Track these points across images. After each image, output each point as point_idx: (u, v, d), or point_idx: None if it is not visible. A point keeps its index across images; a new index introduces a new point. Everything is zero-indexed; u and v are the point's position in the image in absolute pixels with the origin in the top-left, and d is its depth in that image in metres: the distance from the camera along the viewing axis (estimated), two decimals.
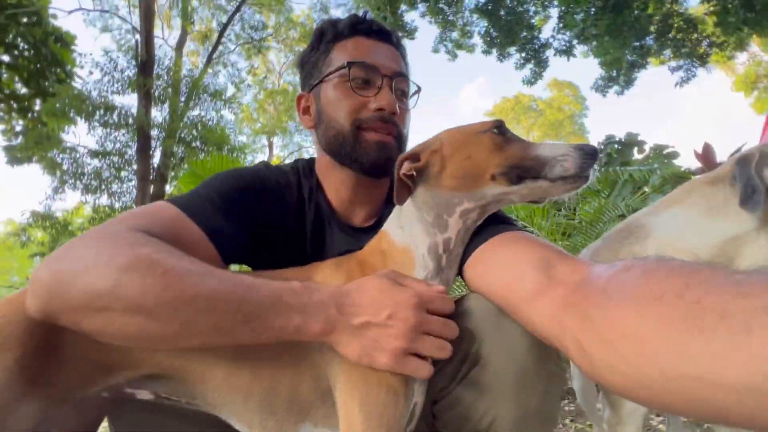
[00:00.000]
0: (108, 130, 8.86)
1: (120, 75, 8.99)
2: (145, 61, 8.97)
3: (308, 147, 16.52)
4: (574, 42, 8.87)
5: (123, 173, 9.14)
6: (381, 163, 0.83)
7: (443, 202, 0.67)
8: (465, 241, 0.70)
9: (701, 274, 0.39)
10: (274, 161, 16.26)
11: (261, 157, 16.67)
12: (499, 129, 0.68)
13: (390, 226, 0.73)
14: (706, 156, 2.77)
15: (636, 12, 7.66)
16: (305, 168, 0.94)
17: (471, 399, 0.65)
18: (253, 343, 0.57)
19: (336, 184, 0.90)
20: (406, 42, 0.99)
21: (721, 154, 2.75)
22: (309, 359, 0.62)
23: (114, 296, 0.50)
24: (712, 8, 7.27)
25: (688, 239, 0.87)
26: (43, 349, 0.56)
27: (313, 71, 0.91)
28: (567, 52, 9.11)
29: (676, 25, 8.72)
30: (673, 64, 9.26)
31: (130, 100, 9.10)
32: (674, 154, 4.14)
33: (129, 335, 0.53)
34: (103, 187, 8.94)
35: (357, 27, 0.87)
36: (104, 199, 9.18)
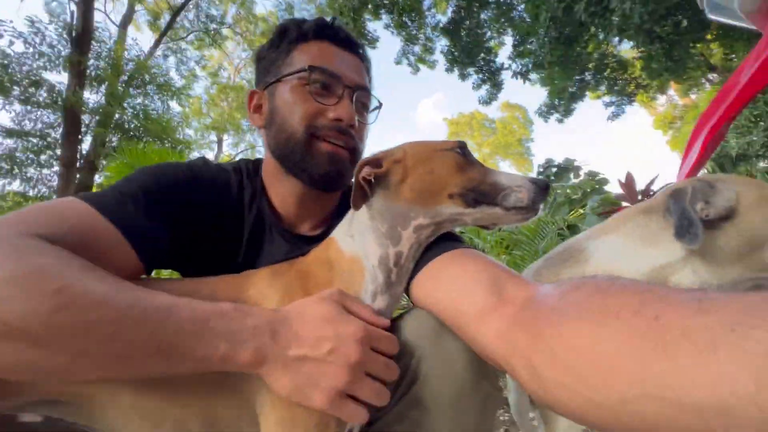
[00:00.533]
0: (28, 107, 7.87)
1: (50, 50, 8.05)
2: (80, 35, 8.11)
3: (260, 147, 15.88)
4: (530, 68, 9.51)
5: (43, 157, 8.14)
6: (331, 176, 0.79)
7: (399, 213, 0.65)
8: (416, 257, 0.68)
9: (656, 291, 0.37)
10: (223, 159, 15.56)
11: (209, 154, 15.76)
12: (462, 150, 0.68)
13: (339, 233, 0.70)
14: (629, 185, 3.14)
15: (579, 48, 8.40)
16: (249, 169, 0.87)
17: (413, 417, 0.63)
18: (166, 374, 0.49)
19: (282, 193, 0.84)
20: (368, 51, 0.96)
21: (640, 184, 3.12)
22: (233, 385, 0.56)
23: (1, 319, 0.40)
24: (639, 53, 8.16)
25: (623, 265, 0.91)
26: None
27: (270, 68, 0.85)
28: (524, 75, 9.72)
29: (610, 65, 9.70)
30: (607, 99, 10.29)
31: (59, 78, 8.18)
32: (604, 181, 4.59)
33: (7, 366, 0.43)
34: (16, 170, 7.89)
35: (323, 31, 0.83)
36: (16, 185, 8.11)
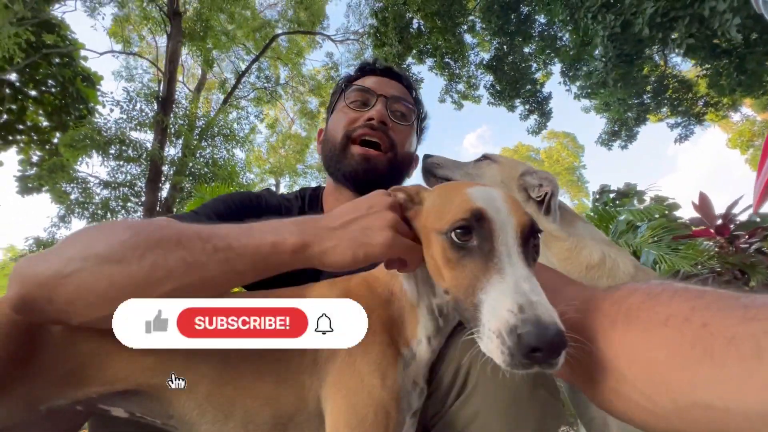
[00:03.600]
0: (121, 162, 9.13)
1: (138, 113, 9.42)
2: (165, 99, 9.44)
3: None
4: (585, 90, 9.21)
5: (129, 204, 9.29)
6: (360, 174, 0.87)
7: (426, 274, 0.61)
8: None
9: (706, 296, 0.37)
10: None
11: None
12: (461, 232, 0.50)
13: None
14: (703, 206, 2.82)
15: (638, 68, 8.04)
16: (311, 196, 0.99)
17: (463, 425, 0.62)
18: (228, 279, 0.54)
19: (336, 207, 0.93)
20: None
21: (719, 207, 2.82)
22: (297, 379, 0.59)
23: (83, 256, 0.50)
24: (703, 71, 7.64)
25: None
26: (17, 355, 0.54)
27: (329, 111, 1.05)
28: (587, 95, 9.38)
29: (671, 86, 9.14)
30: (671, 121, 9.61)
31: (145, 137, 9.48)
32: (675, 206, 4.16)
33: (102, 293, 0.50)
34: (109, 216, 9.05)
35: (365, 68, 1.02)
36: None
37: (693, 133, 9.52)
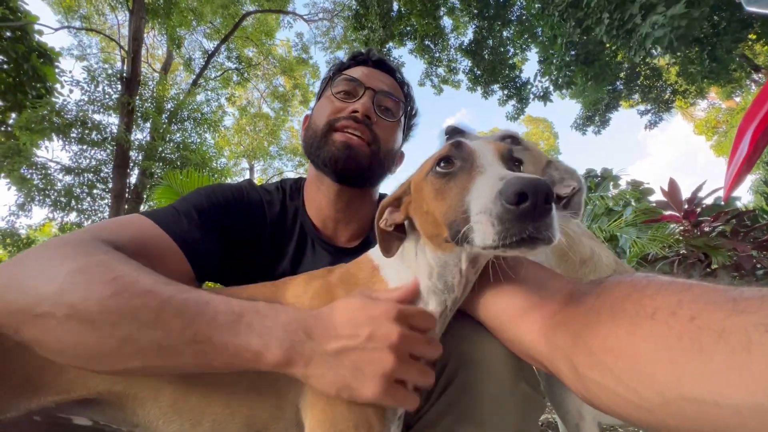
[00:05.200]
0: (84, 146, 8.63)
1: (101, 95, 8.88)
2: (129, 80, 8.92)
3: (288, 171, 16.76)
4: (550, 90, 9.46)
5: (95, 191, 8.84)
6: (342, 161, 0.84)
7: (440, 262, 0.57)
8: (471, 285, 0.62)
9: (693, 289, 0.37)
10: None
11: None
12: (442, 163, 0.52)
13: (389, 273, 0.62)
14: (672, 192, 2.94)
15: (607, 59, 8.23)
16: (292, 188, 0.96)
17: (448, 421, 0.61)
18: (200, 370, 0.49)
19: (318, 200, 0.90)
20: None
21: (686, 192, 2.95)
22: (273, 387, 0.56)
23: (57, 301, 0.45)
24: (674, 60, 7.86)
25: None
26: None
27: (318, 95, 1.01)
28: (544, 97, 9.69)
29: (643, 73, 9.39)
30: (642, 108, 9.92)
31: (109, 119, 8.96)
32: (649, 191, 4.31)
33: (66, 348, 0.46)
34: (73, 203, 8.60)
35: (357, 58, 0.98)
36: (73, 217, 8.80)
37: (662, 119, 9.87)
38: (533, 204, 0.39)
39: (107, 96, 8.88)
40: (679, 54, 7.19)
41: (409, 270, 0.60)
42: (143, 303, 0.46)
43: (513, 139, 0.93)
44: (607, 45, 6.99)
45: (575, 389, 0.46)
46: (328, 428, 0.51)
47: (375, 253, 0.66)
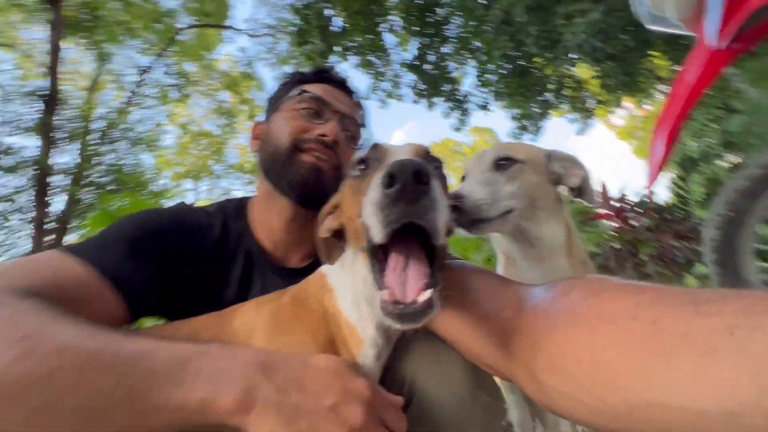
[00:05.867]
0: None
1: (17, 116, 7.99)
2: (49, 99, 8.13)
3: (237, 190, 16.07)
4: (490, 99, 10.06)
5: (12, 222, 7.85)
6: (309, 186, 0.81)
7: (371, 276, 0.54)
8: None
9: (650, 292, 0.37)
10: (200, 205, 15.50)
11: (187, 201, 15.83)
12: (361, 166, 0.53)
13: (337, 285, 0.60)
14: (603, 194, 3.25)
15: (537, 72, 8.94)
16: (234, 210, 0.89)
17: None
18: (138, 431, 0.42)
19: (269, 220, 0.85)
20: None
21: (614, 192, 3.27)
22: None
23: None
24: (595, 73, 8.71)
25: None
26: None
27: (275, 104, 0.94)
28: (484, 107, 10.26)
29: (568, 85, 10.29)
30: (570, 116, 10.82)
31: (26, 142, 8.06)
32: None
33: None
34: None
35: (323, 75, 0.95)
36: None
37: (589, 127, 10.84)
38: (403, 185, 0.38)
39: (23, 117, 7.99)
40: (598, 68, 7.98)
41: (348, 276, 0.59)
42: (59, 364, 0.39)
43: (502, 158, 0.92)
44: (537, 58, 7.59)
45: (535, 397, 0.45)
46: None
47: (336, 285, 0.63)
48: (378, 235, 0.41)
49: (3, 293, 0.46)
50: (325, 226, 0.61)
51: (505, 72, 8.44)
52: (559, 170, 0.92)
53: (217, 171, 16.00)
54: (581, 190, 0.92)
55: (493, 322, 0.52)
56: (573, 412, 0.40)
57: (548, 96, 10.29)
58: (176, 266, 0.73)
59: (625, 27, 6.21)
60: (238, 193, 15.80)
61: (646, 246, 2.97)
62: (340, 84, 0.96)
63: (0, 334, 0.40)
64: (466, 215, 0.78)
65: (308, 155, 0.82)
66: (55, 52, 8.51)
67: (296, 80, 0.94)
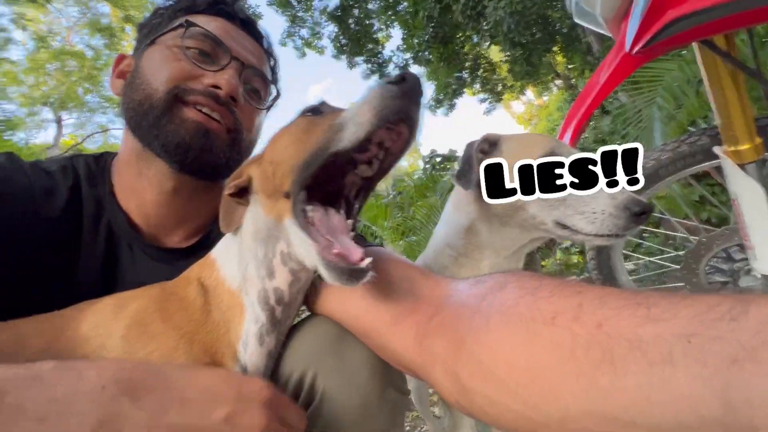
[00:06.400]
0: None
1: None
2: None
3: (116, 129, 13.37)
4: (411, 63, 10.02)
5: None
6: (191, 149, 0.62)
7: (267, 233, 0.51)
8: (304, 292, 0.57)
9: (592, 291, 0.34)
10: (65, 142, 12.58)
11: (44, 137, 12.68)
12: (313, 111, 0.52)
13: (221, 253, 0.55)
14: None
15: (456, 47, 9.19)
16: (90, 171, 0.67)
17: None
18: None
19: (140, 189, 0.66)
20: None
21: None
22: None
23: None
24: (505, 57, 9.29)
25: (449, 235, 0.91)
26: None
27: (148, 35, 0.69)
28: (403, 69, 10.23)
29: (483, 65, 10.84)
30: (481, 96, 11.52)
31: None
32: None
33: None
34: None
35: (217, 6, 0.70)
36: None
37: (496, 108, 11.70)
38: (412, 84, 0.42)
39: None
40: (508, 54, 8.52)
41: (237, 237, 0.53)
42: None
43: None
44: (461, 28, 7.75)
45: (454, 400, 0.42)
46: None
47: (219, 253, 0.55)
48: (362, 129, 0.42)
49: None
50: (233, 182, 0.53)
51: (428, 38, 8.44)
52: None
53: (89, 103, 13.12)
54: None
55: (413, 320, 0.47)
56: (498, 419, 0.37)
57: (464, 74, 10.72)
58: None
59: (538, 18, 6.67)
60: (117, 132, 13.26)
61: None
62: (245, 23, 0.73)
63: None
64: None
65: (193, 111, 0.63)
66: None
67: (183, 7, 0.70)
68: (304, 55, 10.51)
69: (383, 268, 0.56)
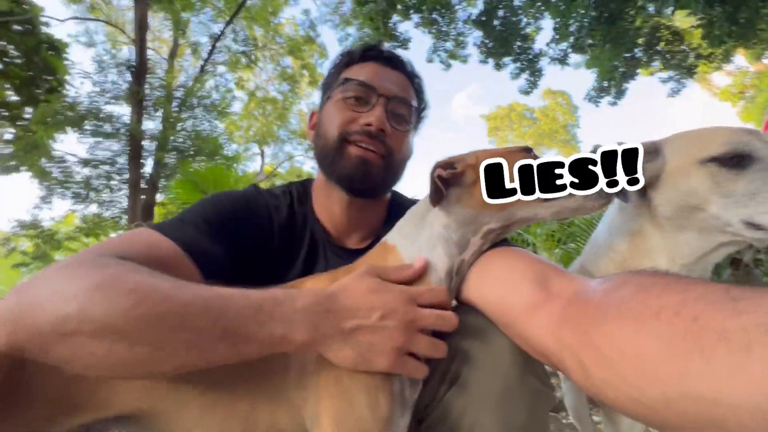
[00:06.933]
0: (98, 138, 8.79)
1: (111, 85, 8.96)
2: (138, 69, 8.96)
3: (298, 156, 16.67)
4: (569, 51, 9.02)
5: (113, 182, 9.04)
6: (357, 178, 0.82)
7: (472, 219, 0.66)
8: (473, 263, 0.69)
9: (696, 289, 0.38)
10: (266, 169, 16.33)
11: (252, 166, 16.72)
12: (529, 152, 0.68)
13: (400, 241, 0.70)
14: None
15: (625, 24, 7.83)
16: (299, 192, 0.94)
17: (455, 415, 0.63)
18: (236, 360, 0.52)
19: (330, 205, 0.90)
20: (399, 52, 1.01)
21: None
22: (286, 396, 0.59)
23: (81, 318, 0.46)
24: (698, 21, 7.42)
25: (613, 238, 0.84)
26: (3, 385, 0.52)
27: (325, 91, 0.96)
28: (562, 60, 9.27)
29: (663, 38, 8.91)
30: (664, 75, 9.44)
31: (120, 110, 9.06)
32: None
33: (99, 362, 0.48)
34: (92, 195, 8.84)
35: (367, 53, 0.92)
36: (93, 208, 9.08)
37: (685, 86, 9.41)
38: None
39: (116, 86, 8.94)
40: (701, 16, 6.78)
41: (423, 249, 0.67)
42: (167, 308, 0.49)
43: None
44: (629, 1, 6.55)
45: (583, 386, 0.47)
46: (338, 409, 0.55)
47: (397, 241, 0.71)
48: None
49: (106, 257, 0.57)
50: (449, 171, 0.66)
51: (588, 21, 7.41)
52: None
53: (281, 136, 16.74)
54: None
55: (547, 311, 0.53)
56: (616, 402, 0.42)
57: (637, 52, 9.02)
58: (247, 247, 0.80)
59: None
60: (299, 158, 16.42)
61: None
62: (389, 59, 0.92)
63: (113, 287, 0.48)
64: None
65: (354, 147, 0.83)
66: (142, 25, 9.25)
67: (344, 63, 0.93)
68: (449, 66, 10.76)
69: (518, 261, 0.64)
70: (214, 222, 0.76)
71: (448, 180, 0.66)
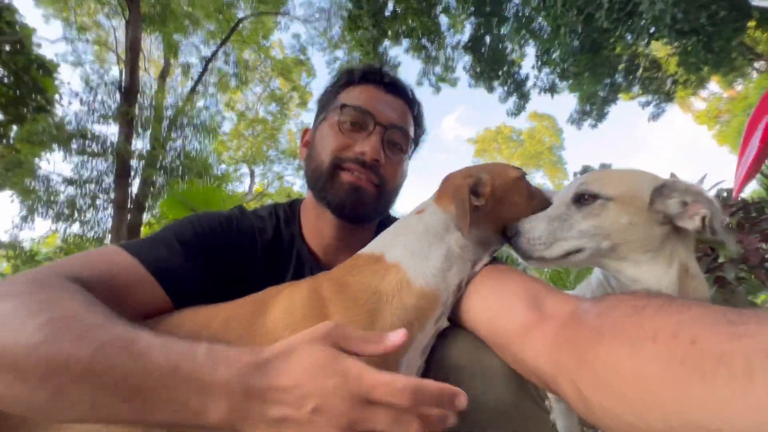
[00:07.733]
0: (85, 158, 8.69)
1: (100, 105, 8.94)
2: (128, 89, 8.97)
3: (288, 176, 16.73)
4: (556, 80, 9.38)
5: (98, 201, 8.88)
6: (348, 205, 0.81)
7: (487, 240, 0.69)
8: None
9: (692, 311, 0.37)
10: (256, 189, 16.29)
11: (242, 186, 16.74)
12: (524, 177, 0.74)
13: (407, 259, 0.64)
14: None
15: (606, 53, 8.20)
16: (287, 213, 0.92)
17: None
18: (146, 426, 0.45)
19: (319, 226, 0.88)
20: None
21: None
22: None
23: None
24: (673, 50, 7.80)
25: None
26: None
27: (321, 110, 0.94)
28: (551, 89, 9.60)
29: (642, 65, 9.31)
30: (643, 99, 9.83)
31: (108, 129, 9.00)
32: None
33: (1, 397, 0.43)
34: (76, 215, 8.65)
35: (368, 76, 0.90)
36: (76, 228, 8.86)
37: (664, 111, 9.79)
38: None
39: (105, 106, 8.92)
40: (677, 44, 7.13)
41: (437, 271, 0.64)
42: (75, 353, 0.41)
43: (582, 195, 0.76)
44: (610, 33, 6.93)
45: (579, 410, 0.45)
46: None
47: (403, 260, 0.64)
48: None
49: (53, 276, 0.52)
50: (473, 200, 0.65)
51: (572, 50, 7.81)
52: (672, 209, 0.71)
53: (270, 156, 16.80)
54: (708, 228, 0.69)
55: (541, 332, 0.52)
56: (614, 428, 0.40)
57: (618, 78, 9.40)
58: (227, 267, 0.77)
59: None
60: (289, 178, 16.46)
61: (726, 247, 2.65)
62: (389, 85, 0.89)
63: (28, 315, 0.43)
64: (520, 251, 0.73)
65: (347, 174, 0.82)
66: (134, 47, 9.32)
67: (343, 82, 0.90)
68: (438, 90, 11.03)
69: (510, 280, 0.62)
70: (189, 241, 0.73)
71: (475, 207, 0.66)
